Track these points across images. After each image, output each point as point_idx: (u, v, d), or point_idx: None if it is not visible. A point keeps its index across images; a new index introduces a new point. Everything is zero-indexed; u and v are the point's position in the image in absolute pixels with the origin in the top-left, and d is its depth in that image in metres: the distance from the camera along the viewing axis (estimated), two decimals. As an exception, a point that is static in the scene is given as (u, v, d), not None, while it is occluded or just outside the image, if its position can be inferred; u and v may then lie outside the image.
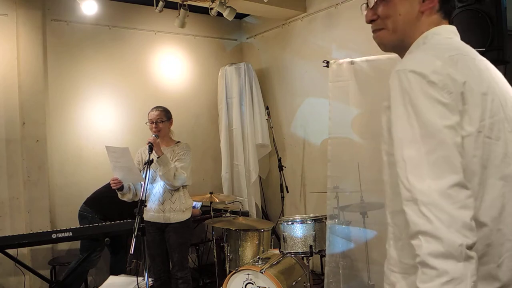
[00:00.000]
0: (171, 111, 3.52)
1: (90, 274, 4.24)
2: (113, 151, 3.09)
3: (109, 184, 3.92)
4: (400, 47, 1.21)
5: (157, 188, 3.37)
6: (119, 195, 3.34)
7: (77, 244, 4.21)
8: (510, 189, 1.06)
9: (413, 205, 0.97)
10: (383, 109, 1.11)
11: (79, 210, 4.06)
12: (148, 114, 3.43)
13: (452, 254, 0.92)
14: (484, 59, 1.16)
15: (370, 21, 1.22)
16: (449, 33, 1.15)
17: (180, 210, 3.37)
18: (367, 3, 1.21)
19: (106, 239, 3.69)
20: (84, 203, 4.07)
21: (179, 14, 4.28)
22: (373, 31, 1.23)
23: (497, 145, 1.06)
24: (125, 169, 3.09)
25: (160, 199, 3.36)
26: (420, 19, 1.15)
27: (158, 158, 3.17)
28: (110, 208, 3.86)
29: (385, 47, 1.23)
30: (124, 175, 3.15)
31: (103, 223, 3.86)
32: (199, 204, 4.52)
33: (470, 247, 0.92)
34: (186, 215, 3.42)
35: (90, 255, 3.81)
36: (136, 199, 3.25)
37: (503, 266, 1.04)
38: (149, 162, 2.91)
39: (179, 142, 3.51)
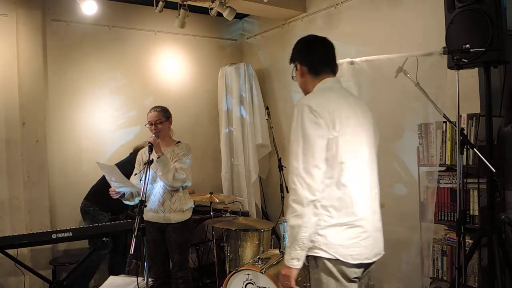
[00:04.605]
0: (171, 111, 3.49)
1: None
2: (103, 167, 3.18)
3: (104, 176, 4.00)
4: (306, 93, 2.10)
5: (157, 188, 3.36)
6: (123, 201, 3.35)
7: (77, 244, 4.22)
8: (362, 165, 1.93)
9: (291, 174, 1.84)
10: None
11: (81, 206, 4.13)
12: (147, 115, 3.41)
13: (300, 201, 1.80)
14: (348, 93, 2.08)
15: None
16: (329, 83, 2.02)
17: (180, 211, 3.37)
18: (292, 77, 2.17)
19: (106, 239, 3.70)
20: (84, 198, 4.14)
21: (179, 14, 4.27)
22: None
23: (354, 141, 1.91)
24: (119, 181, 3.14)
25: (160, 200, 3.35)
26: (307, 81, 2.07)
27: (158, 158, 3.17)
28: (109, 199, 3.88)
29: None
30: (119, 186, 3.19)
31: (103, 223, 3.87)
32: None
33: (312, 200, 1.79)
34: (186, 216, 3.42)
35: (91, 255, 3.82)
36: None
37: (358, 206, 1.87)
38: (149, 162, 2.90)
39: (179, 142, 3.49)
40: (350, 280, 1.86)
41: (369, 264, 1.91)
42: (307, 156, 1.81)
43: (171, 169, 3.22)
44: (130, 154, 4.32)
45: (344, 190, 1.85)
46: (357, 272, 1.86)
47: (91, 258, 3.91)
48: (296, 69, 2.09)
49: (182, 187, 3.39)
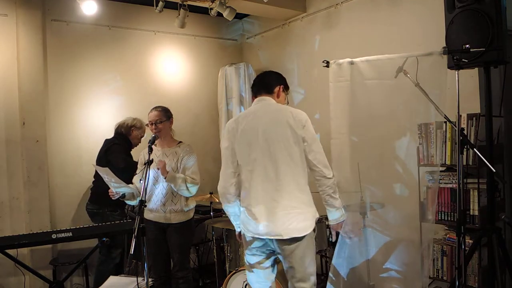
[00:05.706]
0: (171, 111, 3.50)
1: (90, 274, 4.24)
2: (100, 170, 3.20)
3: (97, 176, 4.00)
4: None
5: (159, 189, 3.35)
6: (124, 201, 3.35)
7: (76, 244, 4.21)
8: (254, 165, 2.51)
9: None
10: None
11: (87, 209, 4.12)
12: (148, 115, 3.41)
13: (221, 197, 2.66)
14: (265, 106, 2.62)
15: None
16: (256, 101, 2.66)
17: (182, 211, 3.36)
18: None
19: (106, 239, 3.70)
20: (90, 201, 4.14)
21: (179, 14, 4.27)
22: None
23: (247, 147, 2.54)
24: (116, 183, 3.15)
25: (162, 200, 3.34)
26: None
27: (165, 178, 3.20)
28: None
29: None
30: (119, 186, 3.20)
31: (103, 223, 3.86)
32: None
33: (223, 193, 2.62)
34: (188, 216, 3.41)
35: (111, 254, 3.97)
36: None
37: (249, 195, 2.54)
38: (149, 162, 2.89)
39: (180, 142, 3.48)
40: (253, 247, 2.60)
41: (267, 240, 2.52)
42: (222, 163, 2.64)
43: (181, 181, 3.24)
44: (106, 140, 4.18)
45: (243, 184, 2.58)
46: (256, 242, 2.56)
47: (101, 267, 4.01)
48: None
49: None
